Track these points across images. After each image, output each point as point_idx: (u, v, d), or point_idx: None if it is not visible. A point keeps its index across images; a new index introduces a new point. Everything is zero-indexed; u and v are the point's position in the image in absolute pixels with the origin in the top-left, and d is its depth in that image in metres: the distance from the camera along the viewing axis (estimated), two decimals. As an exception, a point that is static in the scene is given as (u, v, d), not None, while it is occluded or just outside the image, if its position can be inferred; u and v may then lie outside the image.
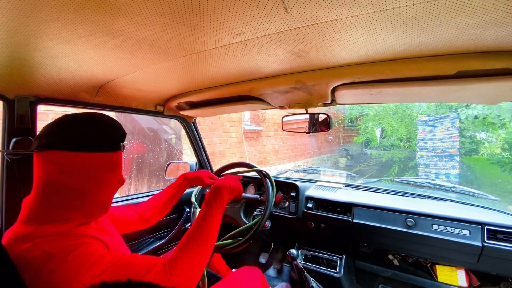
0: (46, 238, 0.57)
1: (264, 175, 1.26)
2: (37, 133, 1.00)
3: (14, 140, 0.93)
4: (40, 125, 1.03)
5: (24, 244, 0.56)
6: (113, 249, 0.67)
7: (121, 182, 0.72)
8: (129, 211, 1.02)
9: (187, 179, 1.13)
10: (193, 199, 1.39)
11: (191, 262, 0.67)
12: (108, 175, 0.67)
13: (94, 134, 0.64)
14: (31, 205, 0.62)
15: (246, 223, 1.22)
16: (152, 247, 1.49)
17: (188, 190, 1.81)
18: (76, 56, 0.74)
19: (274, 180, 1.28)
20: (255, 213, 1.40)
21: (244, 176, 1.78)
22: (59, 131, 0.62)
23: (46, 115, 2.56)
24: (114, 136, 0.68)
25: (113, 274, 0.57)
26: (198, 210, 1.37)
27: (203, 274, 1.01)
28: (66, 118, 0.65)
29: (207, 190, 1.50)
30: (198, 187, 1.48)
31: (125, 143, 0.75)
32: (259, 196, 1.29)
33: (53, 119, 0.66)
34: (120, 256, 0.61)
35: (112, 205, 0.96)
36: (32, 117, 0.98)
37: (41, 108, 1.17)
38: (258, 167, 1.29)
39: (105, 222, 0.79)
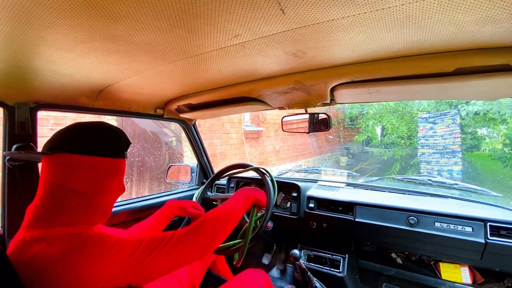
0: (60, 237, 0.58)
1: (264, 175, 1.25)
2: (38, 138, 1.01)
3: (15, 146, 0.93)
4: (41, 131, 1.03)
5: (35, 246, 0.56)
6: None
7: (122, 190, 0.76)
8: None
9: (171, 208, 1.12)
10: None
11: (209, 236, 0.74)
12: (112, 181, 0.70)
13: (103, 140, 0.69)
14: (37, 210, 0.62)
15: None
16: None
17: (189, 193, 1.82)
18: (75, 62, 0.75)
19: (276, 180, 1.28)
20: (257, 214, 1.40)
21: (244, 177, 1.78)
22: (71, 136, 0.66)
23: (47, 120, 2.57)
24: (121, 144, 0.73)
25: (140, 255, 0.60)
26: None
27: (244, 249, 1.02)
28: (78, 124, 0.70)
29: (208, 194, 1.50)
30: (200, 190, 1.48)
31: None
32: None
33: (65, 125, 0.68)
34: (139, 239, 0.64)
35: (114, 209, 0.96)
36: (33, 123, 0.99)
37: (41, 114, 1.18)
38: (260, 168, 1.29)
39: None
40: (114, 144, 0.71)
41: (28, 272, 0.54)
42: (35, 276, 0.53)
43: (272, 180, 1.24)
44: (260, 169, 1.27)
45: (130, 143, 0.78)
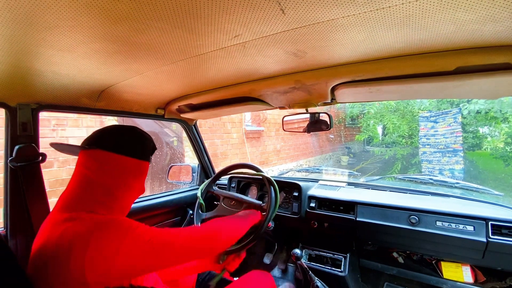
0: (86, 218, 0.63)
1: (270, 185, 1.25)
2: (40, 139, 1.02)
3: (17, 147, 0.93)
4: (42, 132, 1.04)
5: (65, 224, 0.61)
6: None
7: (141, 191, 0.82)
8: None
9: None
10: (198, 194, 1.39)
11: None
12: (135, 180, 0.77)
13: (132, 142, 0.76)
14: (66, 197, 0.69)
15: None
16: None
17: (190, 193, 1.82)
18: (76, 63, 0.75)
19: (277, 180, 1.28)
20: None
21: (246, 177, 1.78)
22: (106, 135, 0.75)
23: (49, 121, 2.58)
24: (148, 148, 0.81)
25: (157, 241, 0.66)
26: (202, 204, 1.36)
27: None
28: (114, 126, 0.79)
29: (214, 188, 1.51)
30: (205, 183, 1.48)
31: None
32: (261, 202, 1.29)
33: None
34: (157, 228, 0.72)
35: None
36: (34, 124, 0.99)
37: (43, 115, 1.19)
38: (263, 171, 1.28)
39: None
40: (141, 147, 0.78)
41: (61, 246, 0.57)
42: (67, 247, 0.57)
43: (275, 191, 1.23)
44: (270, 179, 1.27)
45: (156, 148, 0.85)
